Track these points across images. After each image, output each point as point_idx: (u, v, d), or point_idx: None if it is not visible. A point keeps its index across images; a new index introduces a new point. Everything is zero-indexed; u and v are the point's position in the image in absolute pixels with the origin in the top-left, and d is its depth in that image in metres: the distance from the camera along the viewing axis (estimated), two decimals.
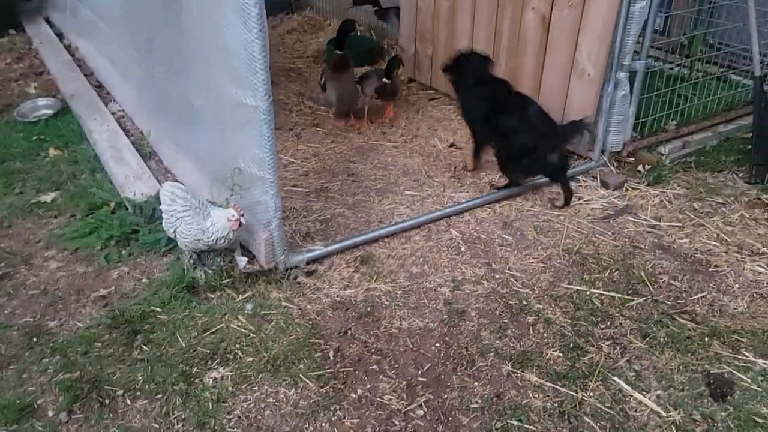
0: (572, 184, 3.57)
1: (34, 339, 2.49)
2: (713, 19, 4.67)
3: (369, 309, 2.66)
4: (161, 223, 2.78)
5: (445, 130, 4.18)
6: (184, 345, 2.46)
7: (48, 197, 3.41)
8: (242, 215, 2.69)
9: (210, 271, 2.78)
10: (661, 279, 2.90)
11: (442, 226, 3.20)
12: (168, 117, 3.59)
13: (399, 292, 2.77)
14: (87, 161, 3.73)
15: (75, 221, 3.19)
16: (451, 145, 3.98)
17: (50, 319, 2.61)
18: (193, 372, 2.35)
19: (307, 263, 2.90)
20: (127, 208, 3.21)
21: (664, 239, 3.18)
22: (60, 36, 5.79)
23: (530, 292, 2.79)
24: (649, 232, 3.23)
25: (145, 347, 2.46)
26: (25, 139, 4.02)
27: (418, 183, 3.58)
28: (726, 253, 3.09)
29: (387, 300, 2.72)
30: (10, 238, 3.10)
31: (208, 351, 2.44)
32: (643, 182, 3.61)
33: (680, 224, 3.29)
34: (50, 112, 4.37)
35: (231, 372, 2.35)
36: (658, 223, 3.30)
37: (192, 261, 2.79)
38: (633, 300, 2.76)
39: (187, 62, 3.16)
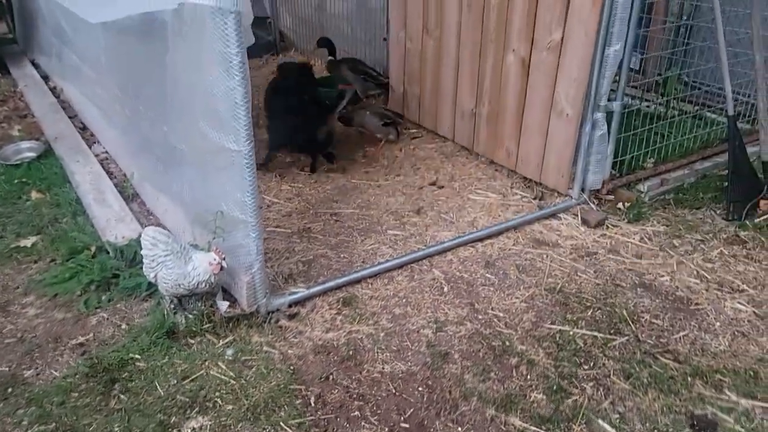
0: (554, 222, 3.61)
1: (9, 389, 2.44)
2: (687, 59, 4.81)
3: (351, 352, 2.64)
4: (142, 267, 2.76)
5: (428, 169, 4.22)
6: (162, 393, 2.42)
7: (28, 242, 3.38)
8: (224, 259, 2.68)
9: (191, 316, 2.75)
10: (643, 317, 2.91)
11: (424, 266, 3.21)
12: (151, 159, 3.60)
13: (382, 334, 2.75)
14: (69, 204, 3.72)
15: (55, 266, 3.16)
16: (433, 183, 4.01)
17: (26, 368, 2.56)
18: (171, 422, 2.30)
19: (290, 306, 2.88)
20: (108, 252, 3.19)
21: (645, 277, 3.20)
22: (46, 78, 5.83)
23: (513, 333, 2.79)
24: (630, 270, 3.26)
25: (122, 396, 2.41)
26: (7, 183, 4.00)
27: (400, 222, 3.59)
28: (706, 290, 3.11)
29: (369, 343, 2.70)
30: None
31: (187, 399, 2.40)
32: (624, 220, 3.65)
33: (661, 262, 3.32)
34: (33, 154, 4.37)
35: (210, 421, 2.31)
36: (639, 260, 3.33)
37: (172, 306, 2.77)
38: (615, 339, 2.77)
39: (171, 106, 3.18)
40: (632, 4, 3.25)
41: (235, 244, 2.74)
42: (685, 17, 5.00)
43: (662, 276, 3.21)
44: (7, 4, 6.85)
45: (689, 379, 2.56)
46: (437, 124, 4.68)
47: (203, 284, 2.69)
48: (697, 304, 3.02)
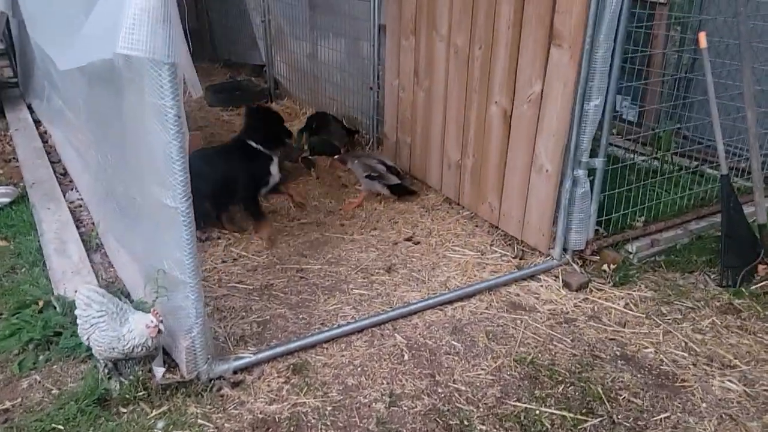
0: (533, 283, 3.39)
1: None
2: (687, 113, 4.63)
3: (292, 429, 2.42)
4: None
5: (405, 223, 4.04)
6: None
7: None
8: (161, 321, 2.50)
9: (125, 382, 2.56)
10: (621, 395, 2.65)
11: (387, 331, 2.99)
12: (113, 209, 3.48)
13: (329, 408, 2.53)
14: (30, 254, 3.59)
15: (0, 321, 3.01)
16: (409, 239, 3.82)
17: None
18: None
19: (234, 372, 2.68)
20: (55, 307, 3.04)
21: (628, 348, 2.95)
22: (37, 122, 5.82)
23: (474, 410, 2.54)
24: (611, 339, 3.01)
25: None
26: None
27: (368, 281, 3.40)
28: (694, 365, 2.85)
29: (314, 417, 2.48)
30: None
31: None
32: (609, 283, 3.42)
33: (646, 331, 3.07)
34: (7, 200, 4.28)
35: None
36: (621, 329, 3.08)
37: (107, 370, 2.59)
38: (587, 421, 2.51)
39: (129, 155, 3.07)
40: (612, 58, 3.10)
41: (176, 306, 2.57)
42: (684, 71, 4.85)
43: (646, 348, 2.96)
44: (12, 49, 6.94)
45: None
46: (426, 175, 4.53)
47: (139, 348, 2.51)
48: (683, 380, 2.76)
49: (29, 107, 6.27)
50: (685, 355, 2.91)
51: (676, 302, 3.27)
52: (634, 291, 3.36)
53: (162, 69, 2.14)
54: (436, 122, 4.27)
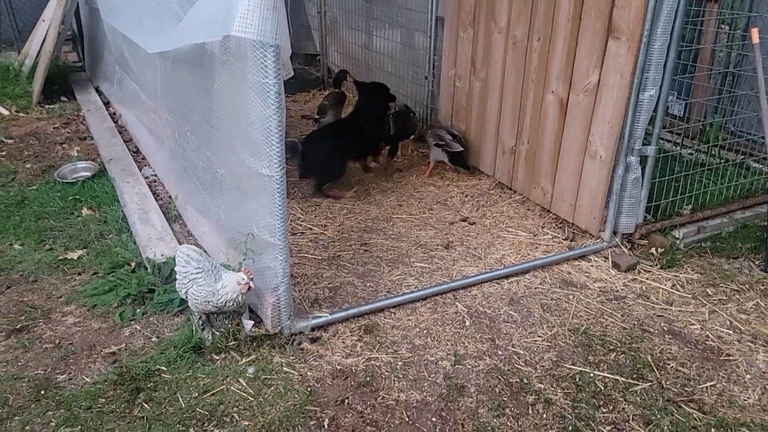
0: (583, 263, 3.59)
1: (42, 392, 2.57)
2: (733, 107, 4.76)
3: (368, 379, 2.68)
4: (176, 284, 2.88)
5: (460, 204, 4.27)
6: (183, 405, 2.51)
7: (75, 254, 3.57)
8: (251, 279, 2.78)
9: (217, 333, 2.85)
10: (669, 365, 2.85)
11: (448, 300, 3.23)
12: (193, 182, 3.77)
13: (400, 363, 2.78)
14: (115, 222, 3.92)
15: (96, 279, 3.33)
16: (464, 220, 4.05)
17: (60, 372, 2.70)
18: None
19: (312, 330, 2.95)
20: (146, 268, 3.35)
21: (675, 324, 3.14)
22: (107, 104, 6.19)
23: (532, 371, 2.77)
24: (659, 316, 3.20)
25: (146, 405, 2.51)
26: (62, 199, 4.25)
27: (428, 255, 3.64)
28: (739, 341, 3.03)
29: (387, 371, 2.74)
30: (34, 293, 3.24)
31: (206, 413, 2.48)
32: (656, 265, 3.60)
33: (692, 310, 3.25)
34: (88, 174, 4.63)
35: None
36: (669, 307, 3.27)
37: (201, 322, 2.88)
38: (638, 385, 2.72)
39: (214, 131, 3.36)
40: (668, 51, 3.28)
41: (263, 266, 2.84)
42: (732, 66, 4.97)
43: (693, 324, 3.14)
44: (79, 35, 7.35)
45: (713, 430, 2.49)
46: (480, 161, 4.74)
47: (231, 303, 2.79)
48: (728, 354, 2.94)
49: (97, 90, 6.65)
50: (730, 332, 3.09)
51: (721, 285, 3.44)
52: (681, 273, 3.53)
53: (267, 50, 2.40)
54: (491, 110, 4.48)
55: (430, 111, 5.28)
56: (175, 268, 2.83)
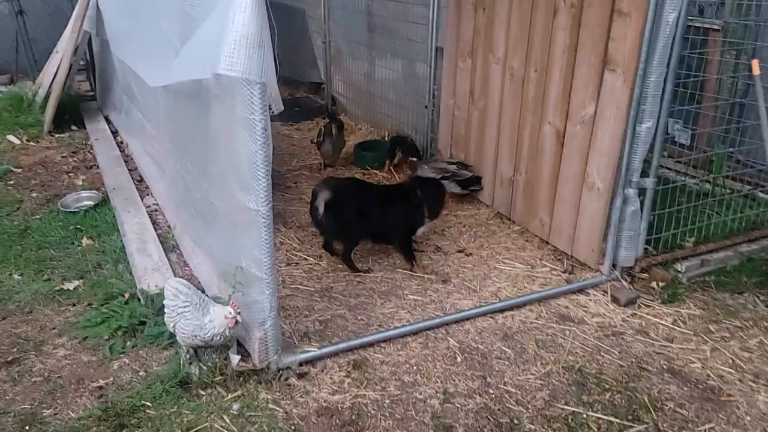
0: (581, 297, 3.53)
1: (27, 427, 2.56)
2: (740, 137, 4.69)
3: (354, 417, 2.63)
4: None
5: (459, 235, 4.23)
6: None
7: (71, 285, 3.59)
8: (239, 313, 2.76)
9: (204, 368, 2.83)
10: (667, 406, 2.77)
11: (440, 334, 3.18)
12: (190, 212, 3.79)
13: (387, 401, 2.73)
14: (114, 252, 3.94)
15: (90, 310, 3.33)
16: (461, 251, 4.01)
17: (47, 407, 2.68)
18: None
19: (300, 364, 2.92)
20: (139, 300, 3.35)
21: (675, 362, 3.06)
22: (115, 133, 6.28)
23: (523, 411, 2.70)
24: (659, 353, 3.12)
25: None
26: (63, 228, 4.28)
27: (422, 288, 3.60)
28: (740, 381, 2.94)
29: (374, 408, 2.69)
30: (28, 324, 3.26)
31: None
32: (657, 300, 3.52)
33: (693, 347, 3.17)
34: (91, 203, 4.67)
35: None
36: (669, 344, 3.19)
37: (188, 356, 2.86)
38: (633, 427, 2.64)
39: (210, 163, 3.38)
40: (665, 83, 3.24)
41: (251, 300, 2.83)
42: (738, 95, 4.91)
43: (693, 362, 3.06)
44: (91, 65, 7.50)
45: None
46: (478, 191, 4.71)
47: (218, 337, 2.77)
48: (728, 395, 2.85)
49: (106, 119, 6.75)
50: (732, 371, 2.99)
51: (724, 321, 3.35)
52: (683, 309, 3.45)
53: (254, 87, 2.42)
54: (489, 140, 4.47)
55: (431, 140, 5.28)
56: (164, 301, 2.83)
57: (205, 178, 3.48)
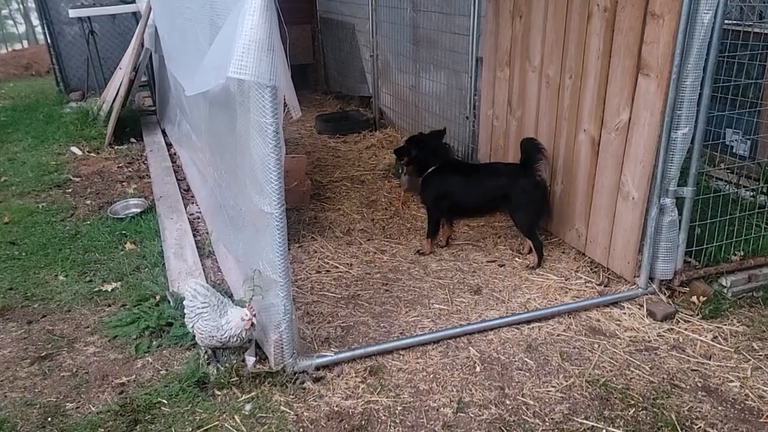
0: (615, 310, 3.38)
1: (49, 419, 2.67)
2: None
3: (363, 422, 2.60)
4: None
5: (493, 246, 4.14)
6: None
7: (110, 287, 3.74)
8: (254, 315, 2.79)
9: (222, 368, 2.87)
10: (696, 425, 2.59)
11: (461, 344, 3.11)
12: (224, 218, 3.88)
13: (399, 407, 2.69)
14: (153, 256, 4.08)
15: (123, 310, 3.46)
16: (494, 261, 3.92)
17: (71, 401, 2.79)
18: None
19: (317, 369, 2.91)
20: (169, 302, 3.45)
21: (711, 380, 2.87)
22: (169, 145, 6.55)
23: (539, 424, 2.59)
24: (694, 370, 2.94)
25: None
26: (110, 233, 4.48)
27: (449, 297, 3.53)
28: None
29: (385, 415, 2.65)
30: (65, 322, 3.41)
31: None
32: (697, 315, 3.32)
33: (733, 365, 2.96)
34: (138, 210, 4.88)
35: None
36: (707, 361, 2.99)
37: (207, 357, 2.91)
38: None
39: (238, 169, 3.46)
40: (702, 87, 3.09)
41: (268, 303, 2.86)
42: None
43: (731, 381, 2.86)
44: (152, 80, 7.87)
45: None
46: None
47: (235, 338, 2.81)
48: (767, 417, 2.64)
49: (163, 132, 7.06)
50: None
51: None
52: (725, 325, 3.24)
53: (264, 91, 2.47)
54: None
55: (472, 150, 5.22)
56: (184, 302, 2.90)
57: (236, 183, 3.56)
